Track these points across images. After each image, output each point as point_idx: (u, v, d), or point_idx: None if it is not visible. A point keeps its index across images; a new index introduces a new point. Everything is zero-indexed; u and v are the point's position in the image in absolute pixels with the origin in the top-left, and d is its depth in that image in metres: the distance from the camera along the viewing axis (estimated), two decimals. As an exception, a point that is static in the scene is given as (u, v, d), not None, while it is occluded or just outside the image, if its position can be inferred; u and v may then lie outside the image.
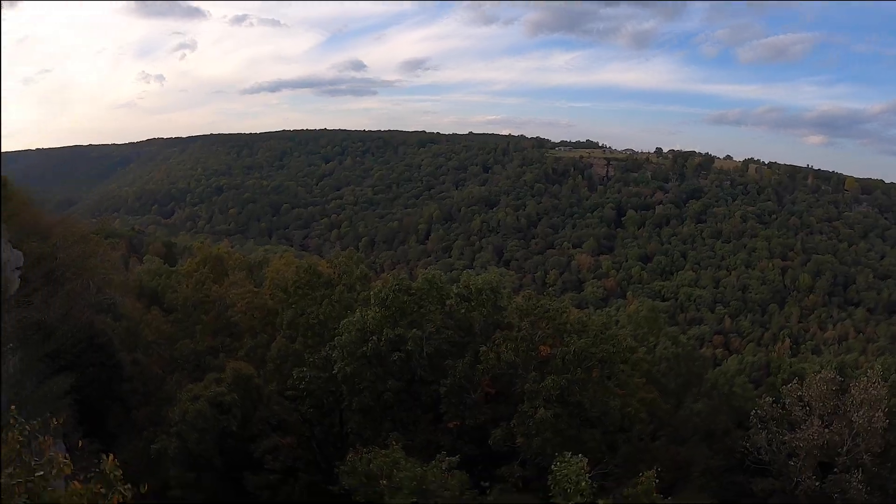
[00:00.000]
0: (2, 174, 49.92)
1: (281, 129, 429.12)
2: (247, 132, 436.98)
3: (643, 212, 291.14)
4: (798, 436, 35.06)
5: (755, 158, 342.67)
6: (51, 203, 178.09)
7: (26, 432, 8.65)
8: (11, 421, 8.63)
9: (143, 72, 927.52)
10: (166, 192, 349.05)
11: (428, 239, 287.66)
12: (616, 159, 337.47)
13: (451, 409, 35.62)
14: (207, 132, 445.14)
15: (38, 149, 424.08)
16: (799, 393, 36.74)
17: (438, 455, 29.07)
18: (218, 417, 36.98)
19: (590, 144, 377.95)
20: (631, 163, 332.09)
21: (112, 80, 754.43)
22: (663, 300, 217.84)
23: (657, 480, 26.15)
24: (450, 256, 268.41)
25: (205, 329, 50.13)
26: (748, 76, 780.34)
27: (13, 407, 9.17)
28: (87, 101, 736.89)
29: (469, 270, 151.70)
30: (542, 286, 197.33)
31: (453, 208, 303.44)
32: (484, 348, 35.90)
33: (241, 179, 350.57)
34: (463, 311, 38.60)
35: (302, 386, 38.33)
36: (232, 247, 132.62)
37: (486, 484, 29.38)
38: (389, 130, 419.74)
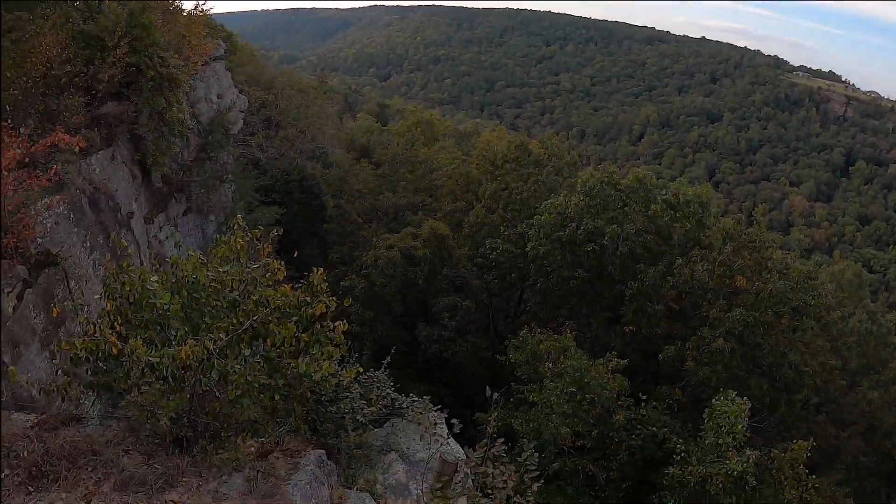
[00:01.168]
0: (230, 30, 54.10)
1: (503, 7, 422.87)
2: (469, 6, 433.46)
3: (874, 166, 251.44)
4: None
5: None
6: (274, 58, 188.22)
7: (247, 237, 9.19)
8: (235, 226, 9.19)
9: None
10: (384, 57, 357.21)
11: (640, 141, 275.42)
12: (857, 100, 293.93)
13: (632, 313, 34.90)
14: (430, 2, 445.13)
15: (263, 10, 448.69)
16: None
17: (608, 354, 28.92)
18: (407, 268, 39.14)
19: (832, 76, 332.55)
20: (873, 108, 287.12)
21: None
22: (870, 272, 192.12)
23: (808, 454, 24.42)
24: (660, 164, 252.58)
25: (408, 186, 52.08)
26: None
27: (239, 216, 9.80)
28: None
29: (679, 179, 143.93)
30: (747, 218, 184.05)
31: (672, 114, 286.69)
32: (679, 262, 34.42)
33: (458, 52, 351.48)
34: (666, 218, 37.00)
35: (492, 256, 39.28)
36: (443, 115, 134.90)
37: (644, 397, 28.82)
38: (616, 21, 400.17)
